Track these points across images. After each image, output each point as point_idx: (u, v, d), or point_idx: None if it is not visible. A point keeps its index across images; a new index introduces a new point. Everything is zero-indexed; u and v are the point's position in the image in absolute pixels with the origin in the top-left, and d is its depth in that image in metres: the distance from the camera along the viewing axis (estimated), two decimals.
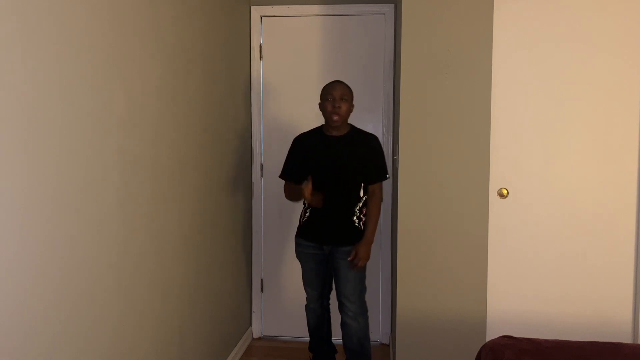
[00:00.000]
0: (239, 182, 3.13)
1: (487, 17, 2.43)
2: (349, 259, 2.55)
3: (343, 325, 2.68)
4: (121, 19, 1.66)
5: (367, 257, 2.56)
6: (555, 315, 2.52)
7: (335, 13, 3.26)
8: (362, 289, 2.66)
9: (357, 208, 2.60)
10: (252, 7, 3.30)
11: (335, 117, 2.51)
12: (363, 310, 2.67)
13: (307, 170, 2.61)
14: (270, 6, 3.29)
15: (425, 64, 2.47)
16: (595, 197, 2.48)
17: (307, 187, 2.47)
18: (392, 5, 3.22)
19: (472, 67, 2.45)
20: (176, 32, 2.12)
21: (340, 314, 2.69)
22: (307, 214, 2.66)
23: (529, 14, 2.44)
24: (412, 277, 2.54)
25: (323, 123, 2.66)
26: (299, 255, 2.75)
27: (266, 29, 3.34)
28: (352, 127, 2.65)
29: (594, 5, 2.42)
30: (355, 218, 2.59)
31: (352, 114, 2.62)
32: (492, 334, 2.48)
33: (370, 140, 2.62)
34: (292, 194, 2.72)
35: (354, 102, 2.64)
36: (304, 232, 2.69)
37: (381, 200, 2.65)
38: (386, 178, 2.65)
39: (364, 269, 2.65)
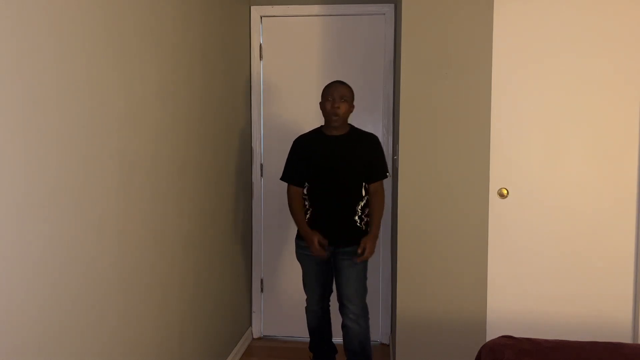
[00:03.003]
0: (239, 182, 3.13)
1: (487, 17, 2.43)
2: (358, 250, 2.54)
3: (344, 327, 2.67)
4: (121, 19, 1.66)
5: (373, 252, 2.58)
6: (555, 315, 2.52)
7: (335, 13, 3.26)
8: (364, 291, 2.66)
9: (359, 207, 2.60)
10: (252, 7, 3.30)
11: (335, 117, 2.52)
12: (364, 312, 2.66)
13: (309, 171, 2.62)
14: (270, 6, 3.29)
15: (425, 64, 2.47)
16: (595, 197, 2.48)
17: (316, 246, 2.57)
18: (392, 5, 3.22)
19: (472, 67, 2.45)
20: (176, 32, 2.12)
21: (342, 316, 2.68)
22: (308, 216, 2.65)
23: (529, 15, 2.44)
24: (412, 277, 2.54)
25: (323, 123, 2.67)
26: (300, 257, 2.73)
27: (266, 29, 3.34)
28: (352, 127, 2.66)
29: (594, 6, 2.42)
30: (357, 218, 2.60)
31: (352, 114, 2.63)
32: (492, 334, 2.48)
33: (370, 140, 2.64)
34: (295, 221, 2.69)
35: (354, 103, 2.64)
36: None
37: (384, 197, 2.66)
38: (387, 176, 2.67)
39: (365, 270, 2.65)
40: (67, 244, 1.40)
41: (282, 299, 3.43)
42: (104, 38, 1.56)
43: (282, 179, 2.72)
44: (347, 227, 2.58)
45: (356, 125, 2.69)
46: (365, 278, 2.66)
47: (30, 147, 1.24)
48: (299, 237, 2.71)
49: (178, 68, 2.14)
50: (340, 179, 2.57)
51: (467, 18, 2.44)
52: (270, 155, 3.37)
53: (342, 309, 2.66)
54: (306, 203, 2.67)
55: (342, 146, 2.58)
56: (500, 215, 2.51)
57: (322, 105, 2.57)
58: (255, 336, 3.47)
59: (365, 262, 2.63)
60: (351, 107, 2.58)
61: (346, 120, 2.60)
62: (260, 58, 3.34)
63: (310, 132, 2.72)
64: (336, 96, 2.52)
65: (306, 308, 2.83)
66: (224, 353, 2.88)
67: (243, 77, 3.20)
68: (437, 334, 2.54)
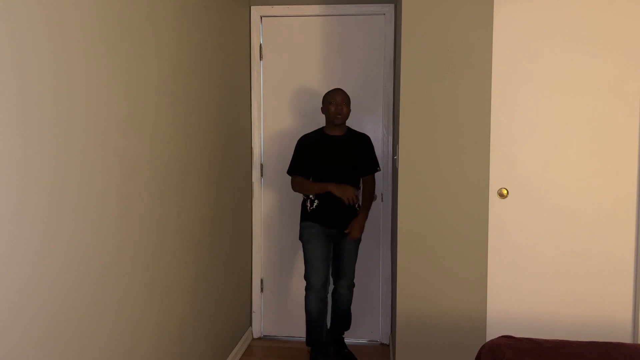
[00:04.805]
0: (239, 182, 3.13)
1: (487, 17, 2.43)
2: (345, 231, 2.89)
3: (336, 294, 3.00)
4: (121, 19, 1.66)
5: (362, 230, 2.94)
6: (555, 315, 2.52)
7: (335, 13, 3.26)
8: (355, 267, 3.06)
9: (359, 196, 2.94)
10: (252, 7, 3.30)
11: (339, 117, 2.85)
12: (353, 283, 3.05)
13: (313, 167, 2.91)
14: (270, 6, 3.29)
15: (425, 64, 2.47)
16: (595, 197, 2.47)
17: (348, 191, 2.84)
18: (392, 5, 3.22)
19: (472, 67, 2.45)
20: (176, 32, 2.12)
21: (336, 287, 3.00)
22: (316, 202, 2.89)
23: (529, 14, 2.44)
24: (412, 277, 2.54)
25: (323, 124, 2.96)
26: (309, 236, 2.90)
27: (266, 29, 3.34)
28: (349, 128, 2.99)
29: (594, 5, 2.42)
30: (357, 206, 2.93)
31: (352, 114, 2.78)
32: (492, 334, 2.48)
33: (364, 139, 3.00)
34: (309, 190, 2.93)
35: (353, 103, 2.92)
36: (313, 217, 2.90)
37: (374, 186, 3.03)
38: (378, 170, 3.02)
39: (358, 245, 3.01)
40: (67, 244, 1.40)
41: (282, 299, 3.43)
42: (104, 38, 1.56)
43: (288, 172, 2.98)
44: (350, 214, 2.90)
45: (357, 125, 2.86)
46: (357, 254, 3.04)
47: (30, 147, 1.24)
48: (305, 219, 2.93)
49: (178, 68, 2.14)
50: (342, 173, 2.88)
51: (467, 18, 2.44)
52: (270, 155, 3.37)
53: (338, 280, 3.00)
54: (311, 195, 2.91)
55: (342, 145, 2.91)
56: (500, 215, 2.51)
57: (326, 109, 2.89)
58: (255, 336, 3.47)
59: (359, 244, 3.02)
60: (349, 110, 2.93)
61: (345, 122, 2.91)
62: (260, 58, 3.34)
63: (313, 132, 3.00)
64: (339, 101, 2.85)
65: (306, 295, 2.88)
66: (224, 353, 2.88)
67: (243, 77, 3.20)
68: (437, 334, 2.54)
